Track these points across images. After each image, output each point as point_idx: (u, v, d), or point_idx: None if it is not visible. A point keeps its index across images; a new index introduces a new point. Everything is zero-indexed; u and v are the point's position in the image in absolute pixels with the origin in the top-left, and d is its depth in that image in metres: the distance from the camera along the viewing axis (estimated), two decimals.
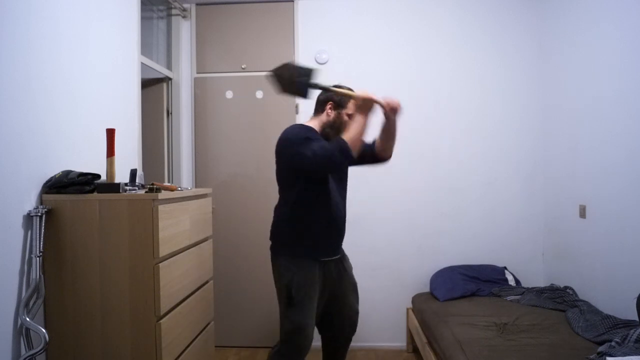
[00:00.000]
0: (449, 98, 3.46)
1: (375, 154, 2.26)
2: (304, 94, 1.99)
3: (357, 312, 2.38)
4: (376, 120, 2.12)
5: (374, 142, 2.28)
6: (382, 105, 2.02)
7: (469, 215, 3.45)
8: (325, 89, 2.08)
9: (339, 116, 2.14)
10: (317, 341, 2.30)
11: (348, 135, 1.95)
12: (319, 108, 2.20)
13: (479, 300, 2.94)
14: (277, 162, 2.21)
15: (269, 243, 2.26)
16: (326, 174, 2.11)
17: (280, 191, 2.24)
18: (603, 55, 2.65)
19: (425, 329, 2.80)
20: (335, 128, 2.14)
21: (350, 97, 2.06)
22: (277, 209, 2.26)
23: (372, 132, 2.18)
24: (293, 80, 1.96)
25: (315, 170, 2.01)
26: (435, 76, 3.46)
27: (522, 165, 3.44)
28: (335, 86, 2.10)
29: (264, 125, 3.52)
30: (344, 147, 1.91)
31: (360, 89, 2.02)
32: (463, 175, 3.46)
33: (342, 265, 2.30)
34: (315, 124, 2.18)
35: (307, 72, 1.97)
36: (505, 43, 3.44)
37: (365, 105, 1.97)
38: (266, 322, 3.50)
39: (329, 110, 2.16)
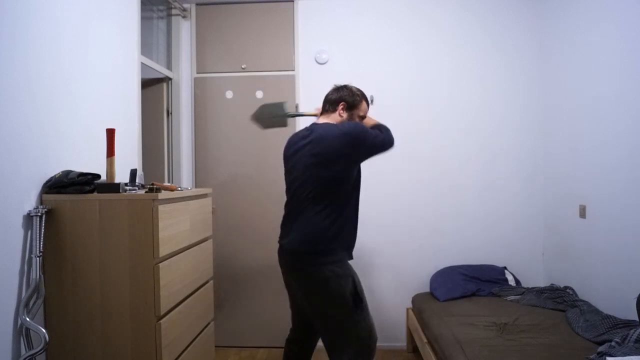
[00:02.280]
0: (449, 98, 3.46)
1: None
2: (284, 124, 2.47)
3: None
4: None
5: None
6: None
7: (469, 215, 3.45)
8: (299, 115, 2.53)
9: (351, 117, 2.17)
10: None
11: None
12: (330, 107, 2.19)
13: (479, 300, 2.94)
14: (327, 166, 2.03)
15: (299, 253, 2.08)
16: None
17: (321, 198, 2.04)
18: (603, 55, 2.65)
19: (425, 329, 2.80)
20: None
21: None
22: (318, 217, 2.04)
23: None
24: (271, 117, 2.43)
25: (389, 146, 2.18)
26: (435, 76, 3.46)
27: (522, 165, 3.44)
28: (346, 88, 2.26)
29: None
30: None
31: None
32: (463, 175, 3.46)
33: None
34: (333, 123, 2.14)
35: (281, 106, 2.43)
36: (505, 43, 3.44)
37: None
38: (266, 322, 3.50)
39: (342, 111, 2.16)
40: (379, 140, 2.11)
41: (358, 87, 2.26)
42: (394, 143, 2.19)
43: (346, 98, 2.17)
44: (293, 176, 2.14)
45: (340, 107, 2.16)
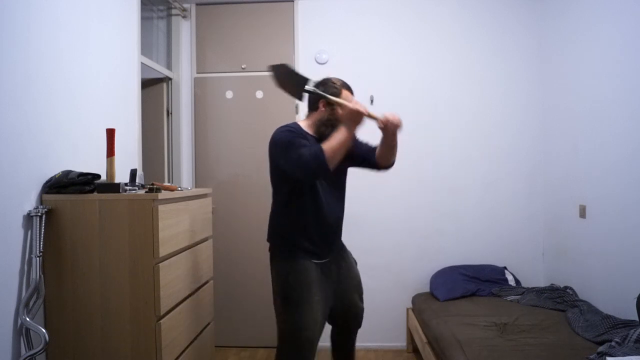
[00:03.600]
0: (449, 98, 3.46)
1: (375, 161, 2.23)
2: (299, 97, 2.09)
3: (361, 309, 2.39)
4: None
5: (375, 148, 2.24)
6: (376, 120, 1.98)
7: (469, 215, 3.45)
8: (319, 95, 2.05)
9: (332, 112, 2.10)
10: (324, 341, 2.28)
11: (327, 145, 1.90)
12: (312, 106, 2.17)
13: (479, 300, 2.94)
14: (270, 164, 2.16)
15: (268, 245, 2.27)
16: (307, 182, 2.06)
17: (273, 193, 2.21)
18: (603, 55, 2.65)
19: (425, 329, 2.80)
20: (330, 125, 2.08)
21: (339, 105, 2.01)
22: (271, 212, 2.22)
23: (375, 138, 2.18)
24: (291, 83, 2.05)
25: (296, 179, 1.99)
26: (436, 76, 3.46)
27: (522, 165, 3.44)
28: (322, 84, 2.11)
29: (264, 125, 3.51)
30: (320, 157, 1.88)
31: (355, 102, 1.99)
32: (463, 175, 3.45)
33: (342, 263, 2.28)
34: (310, 123, 2.15)
35: (303, 81, 2.02)
36: (505, 43, 3.44)
37: (351, 118, 1.91)
38: (266, 322, 3.49)
39: (322, 108, 2.12)
40: (295, 159, 1.93)
41: (350, 86, 2.20)
42: (303, 168, 1.92)
43: (324, 92, 2.10)
44: None
45: (321, 103, 2.11)
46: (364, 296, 2.52)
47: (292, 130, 2.08)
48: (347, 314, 2.32)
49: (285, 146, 1.98)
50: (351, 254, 2.39)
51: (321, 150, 1.88)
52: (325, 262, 2.18)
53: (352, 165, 2.22)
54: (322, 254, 2.16)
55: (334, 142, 1.90)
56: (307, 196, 2.09)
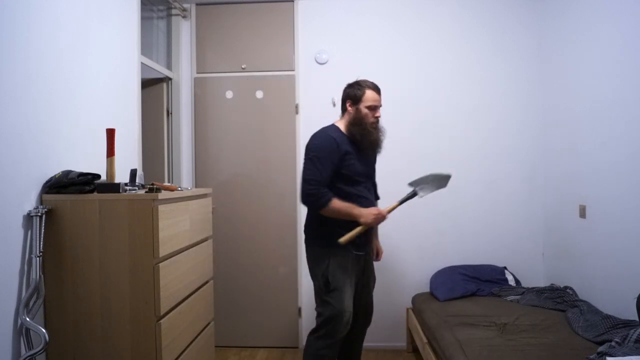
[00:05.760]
0: (449, 98, 3.46)
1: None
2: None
3: (372, 306, 2.58)
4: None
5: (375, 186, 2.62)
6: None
7: (469, 215, 3.45)
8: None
9: (357, 111, 2.28)
10: None
11: (337, 205, 2.18)
12: (343, 107, 2.35)
13: (479, 300, 2.93)
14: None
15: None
16: (303, 202, 2.29)
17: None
18: (603, 55, 2.65)
19: (425, 329, 2.80)
20: (357, 124, 2.27)
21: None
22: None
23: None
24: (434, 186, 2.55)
25: (302, 194, 2.24)
26: (435, 76, 3.46)
27: (522, 165, 3.44)
28: (351, 86, 2.38)
29: (264, 125, 3.52)
30: (322, 203, 2.18)
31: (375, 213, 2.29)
32: (463, 175, 3.45)
33: (368, 259, 2.48)
34: (342, 123, 2.34)
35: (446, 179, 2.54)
36: (505, 43, 3.44)
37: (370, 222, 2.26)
38: (266, 322, 3.50)
39: (350, 108, 2.29)
40: (305, 175, 2.23)
41: (367, 80, 2.38)
42: (303, 199, 2.27)
43: (349, 93, 2.29)
44: None
45: (348, 104, 2.29)
46: None
47: (326, 136, 2.25)
48: (365, 308, 2.49)
49: (311, 159, 2.21)
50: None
51: (328, 201, 2.17)
52: (358, 255, 2.33)
53: None
54: (356, 248, 2.30)
55: (342, 211, 2.20)
56: (352, 194, 2.27)
